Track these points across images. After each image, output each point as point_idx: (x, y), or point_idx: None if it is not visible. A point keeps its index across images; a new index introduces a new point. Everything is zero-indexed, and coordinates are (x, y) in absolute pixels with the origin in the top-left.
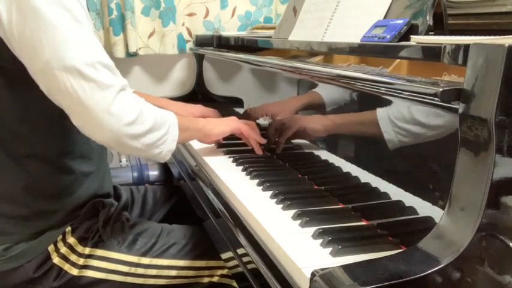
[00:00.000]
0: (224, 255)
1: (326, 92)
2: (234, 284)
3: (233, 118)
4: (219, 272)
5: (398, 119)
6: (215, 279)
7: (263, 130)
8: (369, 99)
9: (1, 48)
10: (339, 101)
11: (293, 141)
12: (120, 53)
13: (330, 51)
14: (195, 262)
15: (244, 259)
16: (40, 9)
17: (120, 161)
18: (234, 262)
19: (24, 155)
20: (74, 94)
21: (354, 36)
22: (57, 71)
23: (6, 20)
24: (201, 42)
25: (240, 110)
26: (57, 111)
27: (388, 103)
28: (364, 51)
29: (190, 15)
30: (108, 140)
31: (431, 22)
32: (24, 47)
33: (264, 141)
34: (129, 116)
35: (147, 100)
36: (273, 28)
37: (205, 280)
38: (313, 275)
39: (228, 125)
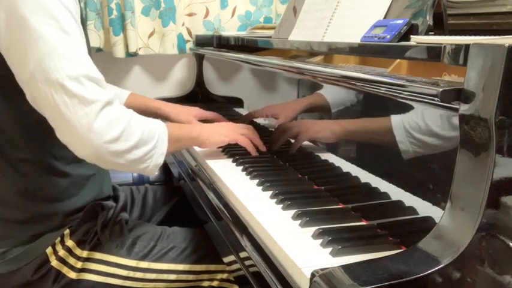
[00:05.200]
0: (226, 259)
1: (330, 94)
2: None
3: (231, 126)
4: (219, 276)
5: (414, 129)
6: (215, 283)
7: (265, 131)
8: (376, 103)
9: None
10: (343, 103)
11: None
12: (120, 53)
13: (330, 51)
14: (194, 266)
15: (247, 262)
16: (26, 18)
17: None
18: (236, 265)
19: (19, 159)
20: (56, 108)
21: (354, 36)
22: (40, 83)
23: None
24: (201, 42)
25: (240, 110)
26: None
27: (396, 106)
28: (364, 51)
29: (190, 15)
30: (90, 157)
31: (431, 22)
32: (12, 56)
33: (264, 148)
34: (112, 133)
35: (143, 102)
36: (273, 28)
37: (205, 284)
38: (313, 275)
39: (225, 136)
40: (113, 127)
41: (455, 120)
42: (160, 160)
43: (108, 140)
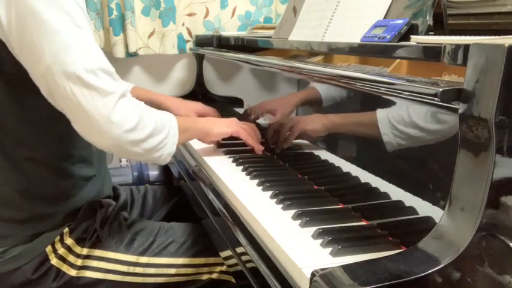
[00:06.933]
0: (223, 254)
1: (323, 88)
2: (234, 280)
3: (234, 120)
4: (218, 268)
5: (398, 122)
6: (214, 276)
7: (263, 130)
8: (366, 96)
9: (1, 51)
10: (336, 97)
11: (293, 141)
12: (120, 53)
13: (330, 51)
14: (193, 259)
15: (244, 258)
16: (40, 13)
17: (120, 161)
18: (233, 261)
19: (22, 157)
20: (74, 100)
21: (354, 36)
22: (57, 76)
23: (6, 22)
24: (201, 42)
25: (240, 110)
26: (57, 115)
27: (386, 102)
28: (364, 51)
29: (190, 15)
30: (109, 146)
31: (431, 22)
32: (25, 51)
33: (261, 150)
34: (130, 123)
35: (146, 95)
36: (273, 28)
37: (205, 277)
38: (313, 275)
39: (228, 126)
40: (130, 117)
41: (453, 118)
42: (173, 149)
43: (127, 129)
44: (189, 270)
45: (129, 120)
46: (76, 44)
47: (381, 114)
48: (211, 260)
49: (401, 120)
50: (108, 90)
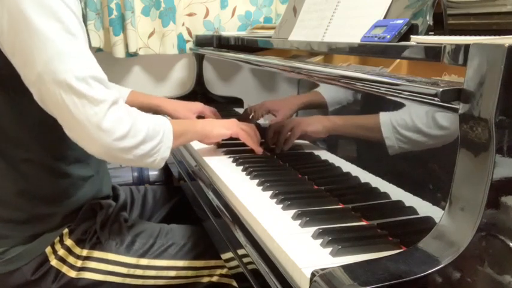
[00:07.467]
0: (224, 256)
1: (328, 93)
2: (234, 283)
3: (233, 121)
4: (219, 271)
5: (401, 126)
6: (214, 278)
7: (263, 131)
8: (371, 101)
9: None
10: (341, 102)
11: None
12: (120, 53)
13: (330, 51)
14: (194, 262)
15: (245, 260)
16: (32, 20)
17: None
18: (235, 263)
19: (19, 159)
20: (65, 108)
21: (354, 36)
22: (49, 84)
23: None
24: (201, 42)
25: (240, 110)
26: (50, 117)
27: (390, 106)
28: (364, 51)
29: (190, 15)
30: (100, 154)
31: (431, 22)
32: (17, 56)
33: (260, 151)
34: (121, 131)
35: (144, 99)
36: (273, 28)
37: (205, 280)
38: (313, 275)
39: (227, 128)
40: (121, 125)
41: (454, 122)
42: (167, 154)
43: (117, 137)
44: (189, 273)
45: (120, 128)
46: (67, 52)
47: (384, 117)
48: (212, 262)
49: (404, 124)
50: (98, 98)
